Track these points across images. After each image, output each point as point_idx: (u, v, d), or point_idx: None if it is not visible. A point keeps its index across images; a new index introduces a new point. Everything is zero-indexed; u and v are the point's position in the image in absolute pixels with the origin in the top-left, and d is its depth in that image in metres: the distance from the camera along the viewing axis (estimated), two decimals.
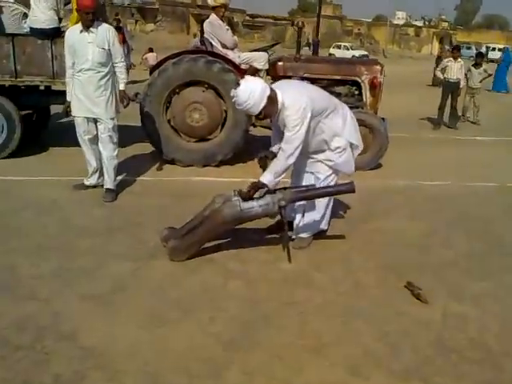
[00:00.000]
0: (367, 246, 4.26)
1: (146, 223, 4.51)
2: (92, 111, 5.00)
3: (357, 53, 38.51)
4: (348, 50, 41.07)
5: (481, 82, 11.20)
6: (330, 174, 4.09)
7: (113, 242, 4.09)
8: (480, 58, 11.33)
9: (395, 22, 63.72)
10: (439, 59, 19.71)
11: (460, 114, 11.22)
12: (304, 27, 7.16)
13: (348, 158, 4.07)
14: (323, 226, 4.28)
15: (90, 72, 4.90)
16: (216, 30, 6.82)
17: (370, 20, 65.13)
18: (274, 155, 4.06)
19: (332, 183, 4.12)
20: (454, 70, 10.30)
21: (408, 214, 5.08)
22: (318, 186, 4.03)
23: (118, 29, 15.90)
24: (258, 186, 3.80)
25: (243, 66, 6.84)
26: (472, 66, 11.21)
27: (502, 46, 46.08)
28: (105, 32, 4.93)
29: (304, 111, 3.66)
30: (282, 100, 3.71)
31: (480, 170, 6.98)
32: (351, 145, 4.07)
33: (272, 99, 3.66)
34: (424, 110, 11.86)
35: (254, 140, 7.73)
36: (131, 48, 17.54)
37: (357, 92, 7.02)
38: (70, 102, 5.10)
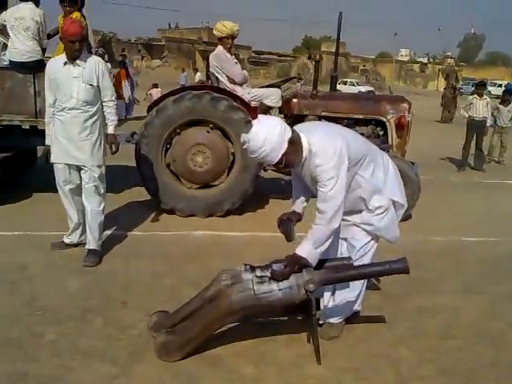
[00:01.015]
0: (418, 336, 3.29)
1: (132, 301, 3.58)
2: (75, 157, 4.15)
3: (363, 88, 38.11)
4: (354, 85, 40.81)
5: (510, 120, 10.39)
6: (369, 242, 3.19)
7: (86, 332, 3.15)
8: (508, 95, 10.55)
9: (399, 59, 63.94)
10: (445, 96, 19.19)
11: (485, 153, 10.39)
12: (322, 60, 6.39)
13: (391, 221, 3.17)
14: (357, 306, 3.35)
15: (75, 111, 4.08)
16: (223, 63, 6.04)
17: (373, 57, 65.45)
18: (299, 217, 3.19)
19: (370, 253, 3.21)
20: (480, 107, 9.52)
21: (460, 285, 4.13)
22: (353, 256, 3.14)
23: (123, 64, 15.37)
24: (296, 261, 2.88)
25: (253, 104, 6.04)
26: (500, 103, 10.43)
27: (506, 82, 46.03)
28: (94, 65, 4.13)
29: (340, 157, 2.81)
30: (307, 145, 2.87)
31: None
32: (394, 203, 3.18)
33: (295, 144, 2.82)
34: (441, 149, 11.04)
35: (265, 184, 6.87)
36: (136, 84, 16.99)
37: (382, 133, 6.18)
38: (49, 146, 4.25)
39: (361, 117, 6.09)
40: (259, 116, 2.90)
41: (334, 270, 2.84)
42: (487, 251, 5.01)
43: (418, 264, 4.45)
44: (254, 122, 2.82)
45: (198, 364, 2.85)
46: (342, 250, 3.26)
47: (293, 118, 6.33)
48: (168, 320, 2.96)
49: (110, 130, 4.30)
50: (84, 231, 4.43)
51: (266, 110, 6.25)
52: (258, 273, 2.88)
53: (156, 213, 5.65)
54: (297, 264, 2.87)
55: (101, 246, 4.35)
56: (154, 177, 5.65)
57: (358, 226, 3.17)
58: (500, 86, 46.51)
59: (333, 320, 3.23)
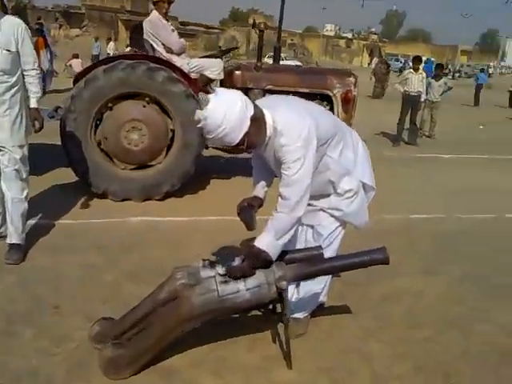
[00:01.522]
0: (385, 326, 3.07)
1: (66, 304, 3.08)
2: None
3: (291, 63, 38.01)
4: (282, 60, 40.54)
5: (441, 94, 10.51)
6: (336, 228, 2.89)
7: (14, 347, 2.64)
8: (440, 70, 10.66)
9: (325, 33, 64.46)
10: (377, 71, 19.41)
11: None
12: (267, 29, 5.99)
13: (360, 205, 2.89)
14: (322, 297, 3.07)
15: None
16: (159, 29, 5.51)
17: (300, 31, 65.59)
18: (261, 202, 2.85)
19: (338, 241, 2.92)
20: (415, 82, 9.52)
21: (417, 267, 3.97)
22: (322, 244, 2.84)
23: (40, 32, 14.09)
24: (255, 254, 2.50)
25: (193, 76, 5.56)
26: (432, 78, 10.50)
27: (425, 58, 47.73)
28: (12, 28, 3.48)
29: (308, 137, 2.46)
30: (271, 122, 2.51)
31: (467, 197, 6.06)
32: (364, 186, 2.89)
33: (258, 121, 2.45)
34: (375, 124, 11.03)
35: (204, 162, 6.44)
36: (55, 54, 15.70)
37: (328, 107, 5.90)
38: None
39: (307, 91, 5.75)
40: (217, 89, 2.48)
41: (308, 263, 2.52)
42: (436, 228, 4.91)
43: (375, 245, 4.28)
44: (210, 95, 2.41)
45: (151, 378, 2.45)
46: (308, 238, 2.95)
47: None
48: (114, 328, 2.53)
49: (33, 103, 3.69)
50: (4, 222, 3.84)
51: (207, 82, 5.78)
52: (221, 270, 2.51)
53: (86, 198, 5.07)
54: (256, 258, 2.50)
55: (25, 239, 3.77)
56: (83, 157, 5.05)
57: (325, 212, 2.86)
58: (425, 62, 48.18)
59: (298, 315, 2.92)
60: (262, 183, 2.91)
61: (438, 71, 10.68)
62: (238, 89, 5.66)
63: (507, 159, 8.92)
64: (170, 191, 5.29)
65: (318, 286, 2.94)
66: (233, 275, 2.48)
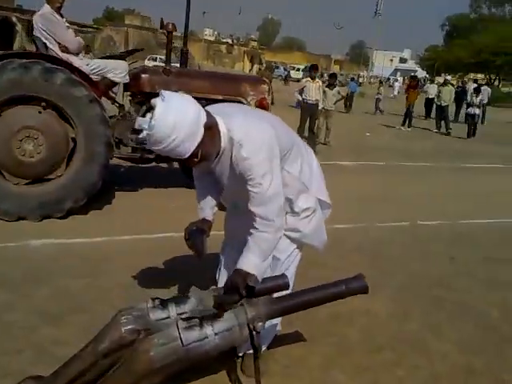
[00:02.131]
0: (345, 353, 2.86)
1: None
2: None
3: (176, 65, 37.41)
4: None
5: (335, 103, 10.78)
6: (293, 251, 2.61)
7: None
8: (333, 79, 10.91)
9: (205, 38, 64.57)
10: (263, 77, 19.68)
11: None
12: (175, 30, 5.58)
13: (318, 225, 2.64)
14: (279, 327, 2.79)
15: None
16: (53, 26, 4.89)
17: (180, 34, 64.95)
18: (210, 225, 2.50)
19: (294, 265, 2.65)
20: (313, 90, 9.65)
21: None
22: (277, 270, 2.56)
23: None
24: (244, 279, 2.15)
25: (94, 78, 5.00)
26: (326, 87, 10.73)
27: (302, 66, 49.80)
28: None
29: (270, 147, 2.19)
30: (226, 131, 2.19)
31: (377, 205, 6.15)
32: (320, 203, 2.66)
33: (212, 130, 2.12)
34: None
35: (119, 172, 5.86)
36: None
37: None
38: None
39: (220, 97, 5.44)
40: (162, 92, 2.09)
41: (283, 298, 2.21)
42: (363, 239, 4.86)
43: (312, 260, 4.10)
44: (156, 100, 2.03)
45: None
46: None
47: (142, 97, 5.45)
48: None
49: None
50: None
51: (110, 85, 5.26)
52: (180, 311, 2.12)
53: None
54: (245, 282, 2.16)
55: None
56: None
57: None
58: (298, 69, 50.22)
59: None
60: (210, 202, 2.55)
61: (331, 80, 10.94)
62: (144, 94, 5.37)
63: (402, 165, 9.35)
64: (73, 208, 4.68)
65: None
66: (224, 305, 2.12)
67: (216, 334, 2.01)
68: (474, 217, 5.95)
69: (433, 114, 18.25)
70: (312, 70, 9.83)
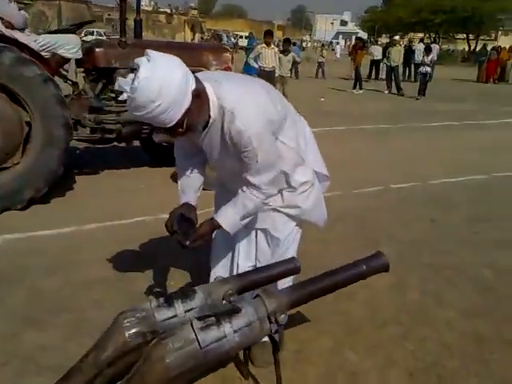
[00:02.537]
0: (354, 331, 2.73)
1: None
2: None
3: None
4: (102, 36, 38.10)
5: (290, 69, 10.54)
6: (293, 229, 2.44)
7: None
8: (287, 45, 10.63)
9: (143, 8, 62.29)
10: None
11: None
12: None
13: (317, 199, 2.46)
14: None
15: None
16: None
17: (113, 5, 62.33)
18: (195, 212, 2.25)
19: (296, 244, 2.49)
20: (269, 57, 9.38)
21: (350, 255, 3.71)
22: (278, 251, 2.40)
23: None
24: (213, 229, 2.20)
25: (44, 55, 4.57)
26: (280, 53, 10.45)
27: (246, 33, 48.96)
28: None
29: (266, 116, 2.02)
30: (215, 99, 1.98)
31: (346, 171, 5.99)
32: (317, 176, 2.48)
33: (200, 98, 1.92)
34: None
35: (75, 154, 5.47)
36: None
37: None
38: None
39: None
40: (149, 52, 1.84)
41: (303, 283, 2.02)
42: (342, 207, 4.69)
43: None
44: (140, 60, 1.80)
45: None
46: (261, 246, 2.45)
47: (98, 73, 5.07)
48: None
49: None
50: None
51: (62, 62, 4.84)
52: (187, 307, 1.92)
53: None
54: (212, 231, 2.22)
55: None
56: None
57: (278, 212, 2.37)
58: (243, 37, 49.31)
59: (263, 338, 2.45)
60: (194, 183, 2.33)
61: (285, 46, 10.66)
62: (100, 69, 4.98)
63: (362, 129, 9.30)
64: (34, 197, 4.32)
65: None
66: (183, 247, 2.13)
67: (235, 331, 1.81)
68: (444, 176, 5.96)
69: (381, 75, 18.40)
70: (267, 36, 9.51)
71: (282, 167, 2.22)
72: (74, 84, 5.14)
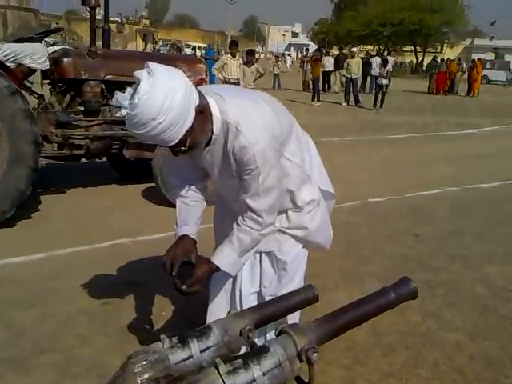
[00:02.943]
0: (364, 360, 2.60)
1: None
2: None
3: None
4: (51, 45, 37.04)
5: (254, 81, 10.42)
6: (300, 251, 2.27)
7: None
8: (251, 56, 10.51)
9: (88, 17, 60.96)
10: None
11: None
12: (99, 6, 4.91)
13: (324, 219, 2.31)
14: None
15: None
16: None
17: (61, 14, 60.90)
18: (195, 247, 2.02)
19: (303, 267, 2.35)
20: (234, 68, 9.25)
21: (338, 271, 3.61)
22: (285, 275, 2.24)
23: None
24: (211, 273, 1.98)
25: (9, 65, 4.26)
26: (244, 64, 10.33)
27: (201, 45, 48.74)
28: None
29: (271, 132, 1.85)
30: (219, 115, 1.81)
31: None
32: (322, 194, 2.34)
33: (204, 114, 1.75)
34: None
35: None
36: None
37: None
38: None
39: None
40: (150, 64, 1.66)
41: (331, 316, 1.86)
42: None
43: None
44: (140, 73, 1.62)
45: None
46: (265, 269, 2.27)
47: (65, 85, 4.79)
48: None
49: None
50: None
51: (28, 73, 4.54)
52: (203, 347, 1.73)
53: None
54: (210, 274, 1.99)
55: None
56: None
57: (284, 233, 2.22)
58: (194, 48, 49.05)
59: None
60: (193, 212, 2.12)
61: (249, 57, 10.54)
62: (68, 81, 4.70)
63: (329, 142, 9.26)
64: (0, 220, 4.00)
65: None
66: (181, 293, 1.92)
67: (264, 373, 1.63)
68: (418, 189, 5.97)
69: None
70: (232, 47, 9.36)
71: (287, 185, 2.08)
72: (40, 97, 4.84)
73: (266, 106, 1.92)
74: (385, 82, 14.95)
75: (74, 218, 4.49)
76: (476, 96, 23.41)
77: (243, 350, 1.84)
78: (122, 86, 4.88)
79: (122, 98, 1.64)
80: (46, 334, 2.69)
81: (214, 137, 1.85)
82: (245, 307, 2.34)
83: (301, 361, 1.71)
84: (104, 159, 5.70)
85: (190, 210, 2.12)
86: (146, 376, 1.67)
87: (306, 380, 1.74)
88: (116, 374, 1.74)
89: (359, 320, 1.86)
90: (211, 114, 1.81)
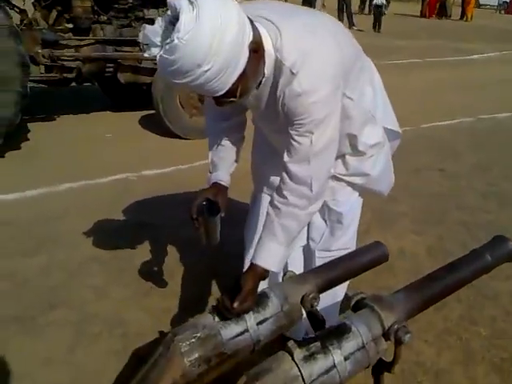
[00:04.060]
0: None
1: None
2: None
3: None
4: None
5: None
6: (355, 200, 1.96)
7: None
8: None
9: None
10: None
11: None
12: None
13: (386, 164, 1.96)
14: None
15: None
16: None
17: None
18: (225, 195, 1.68)
19: (358, 218, 2.04)
20: None
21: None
22: (340, 228, 1.93)
23: None
24: (260, 277, 1.47)
25: None
26: None
27: None
28: None
29: (334, 75, 1.42)
30: (272, 51, 1.38)
31: None
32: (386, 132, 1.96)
33: (258, 53, 1.33)
34: None
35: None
36: None
37: None
38: None
39: None
40: None
41: (416, 286, 1.55)
42: None
43: None
44: (178, 2, 1.17)
45: None
46: (317, 222, 1.97)
47: None
48: None
49: None
50: None
51: None
52: (260, 318, 1.46)
53: None
54: (259, 281, 1.48)
55: None
56: None
57: (340, 180, 1.88)
58: None
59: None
60: (227, 156, 1.73)
61: None
62: None
63: None
64: None
65: (337, 298, 2.06)
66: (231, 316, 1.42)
67: (346, 358, 1.35)
68: (432, 119, 5.63)
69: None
70: None
71: (347, 129, 1.71)
72: (22, 12, 4.25)
73: (329, 38, 1.46)
74: (384, 1, 14.15)
75: (68, 148, 4.09)
76: (470, 20, 22.61)
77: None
78: (116, 1, 4.35)
79: (152, 33, 1.17)
80: (54, 287, 2.38)
81: (264, 79, 1.43)
82: (290, 263, 2.05)
83: (386, 340, 1.44)
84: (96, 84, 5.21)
85: (223, 153, 1.74)
86: (196, 356, 1.38)
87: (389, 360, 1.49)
88: (158, 352, 1.44)
89: (452, 288, 1.57)
90: (264, 51, 1.39)
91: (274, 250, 1.50)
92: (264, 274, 1.49)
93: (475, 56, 11.42)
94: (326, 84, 1.40)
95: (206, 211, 1.63)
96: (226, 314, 1.42)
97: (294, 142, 1.43)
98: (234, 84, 1.27)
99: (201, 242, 1.66)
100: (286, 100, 1.40)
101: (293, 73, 1.36)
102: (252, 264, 1.49)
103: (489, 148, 4.80)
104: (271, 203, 1.51)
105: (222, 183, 1.68)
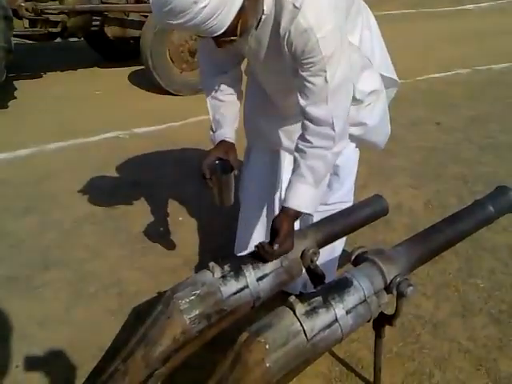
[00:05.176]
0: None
1: None
2: None
3: None
4: None
5: None
6: (352, 151, 1.91)
7: None
8: None
9: None
10: None
11: None
12: None
13: (383, 112, 1.90)
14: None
15: None
16: None
17: None
18: (234, 151, 1.60)
19: (355, 170, 2.01)
20: None
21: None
22: (337, 179, 1.89)
23: None
24: (294, 218, 1.47)
25: None
26: None
27: None
28: None
29: (337, 7, 1.36)
30: None
31: None
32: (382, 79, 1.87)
33: None
34: None
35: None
36: None
37: None
38: None
39: None
40: None
41: (417, 238, 1.52)
42: None
43: None
44: None
45: None
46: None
47: None
48: None
49: None
50: None
51: None
52: (259, 274, 1.45)
53: None
54: (293, 224, 1.47)
55: None
56: None
57: None
58: None
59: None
60: (229, 111, 1.65)
61: None
62: None
63: None
64: None
65: (337, 252, 2.05)
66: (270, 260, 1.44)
67: (348, 312, 1.34)
68: (427, 72, 5.54)
69: None
70: None
71: None
72: None
73: None
74: None
75: (56, 106, 3.99)
76: None
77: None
78: None
79: None
80: (48, 246, 2.35)
81: (263, 17, 1.35)
82: None
83: (388, 293, 1.42)
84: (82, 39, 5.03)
85: (224, 108, 1.66)
86: (196, 313, 1.37)
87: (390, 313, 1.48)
88: (157, 310, 1.43)
89: (454, 240, 1.55)
90: None
91: (303, 191, 1.47)
92: (297, 215, 1.47)
93: (470, 6, 11.13)
94: (331, 17, 1.32)
95: (219, 170, 1.57)
96: (267, 257, 1.43)
97: (308, 84, 1.37)
98: (232, 21, 1.21)
99: (214, 202, 1.60)
100: (292, 38, 1.31)
101: (296, 7, 1.28)
102: (284, 207, 1.47)
103: (485, 100, 4.73)
104: (296, 148, 1.47)
105: (229, 140, 1.61)
